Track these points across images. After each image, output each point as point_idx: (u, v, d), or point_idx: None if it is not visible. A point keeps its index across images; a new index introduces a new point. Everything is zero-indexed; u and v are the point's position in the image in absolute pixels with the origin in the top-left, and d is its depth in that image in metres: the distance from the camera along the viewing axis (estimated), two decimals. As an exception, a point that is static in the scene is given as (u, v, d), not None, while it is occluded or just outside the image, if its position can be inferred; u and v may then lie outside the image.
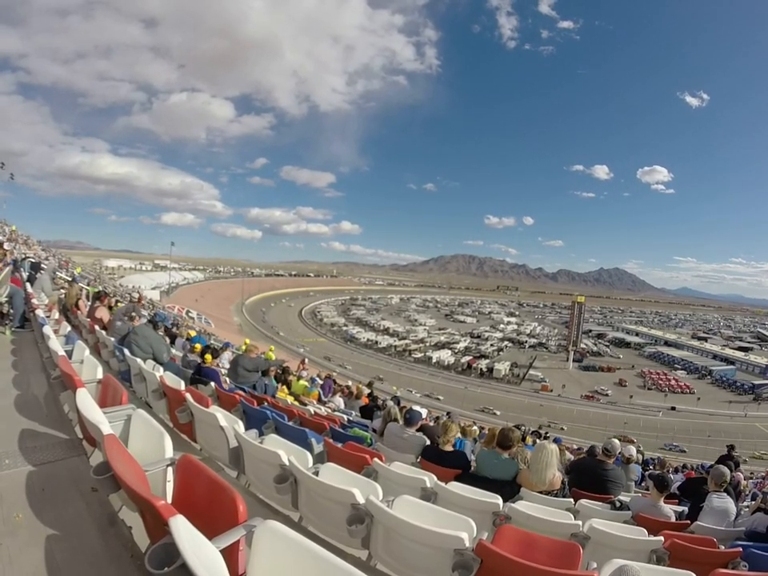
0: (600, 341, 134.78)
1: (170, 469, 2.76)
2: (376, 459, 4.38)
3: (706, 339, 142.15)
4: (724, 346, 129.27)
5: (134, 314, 9.71)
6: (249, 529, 2.09)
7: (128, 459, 2.56)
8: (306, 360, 17.26)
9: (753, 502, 7.39)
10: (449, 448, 5.56)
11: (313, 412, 8.68)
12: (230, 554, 2.01)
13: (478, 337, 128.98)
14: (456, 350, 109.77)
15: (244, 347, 13.17)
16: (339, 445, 5.18)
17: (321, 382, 14.90)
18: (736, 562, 3.76)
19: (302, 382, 12.76)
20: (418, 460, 5.49)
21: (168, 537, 1.80)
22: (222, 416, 4.51)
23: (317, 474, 3.59)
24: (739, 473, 9.50)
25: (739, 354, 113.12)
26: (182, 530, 1.78)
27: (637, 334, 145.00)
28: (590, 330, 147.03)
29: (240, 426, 4.41)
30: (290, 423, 5.95)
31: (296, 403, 9.94)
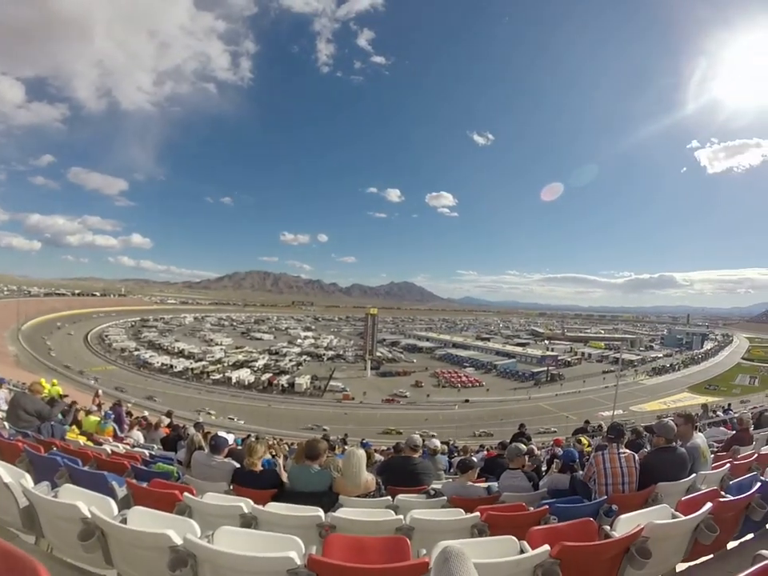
0: (394, 348, 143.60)
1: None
2: (186, 493, 4.10)
3: (488, 339, 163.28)
4: (504, 343, 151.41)
5: None
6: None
7: None
8: (101, 392, 15.56)
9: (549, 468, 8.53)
10: (258, 468, 5.49)
11: (110, 451, 7.85)
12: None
13: (277, 353, 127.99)
14: (255, 368, 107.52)
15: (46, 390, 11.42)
16: (144, 484, 4.75)
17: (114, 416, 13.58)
18: (546, 518, 4.27)
19: (92, 417, 11.49)
20: (231, 487, 5.31)
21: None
22: (5, 470, 3.84)
23: (125, 521, 3.26)
24: (532, 445, 10.95)
25: (518, 349, 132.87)
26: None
27: (427, 340, 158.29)
28: (384, 339, 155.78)
29: (28, 480, 3.82)
30: (86, 468, 5.33)
31: (90, 443, 8.92)
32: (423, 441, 7.42)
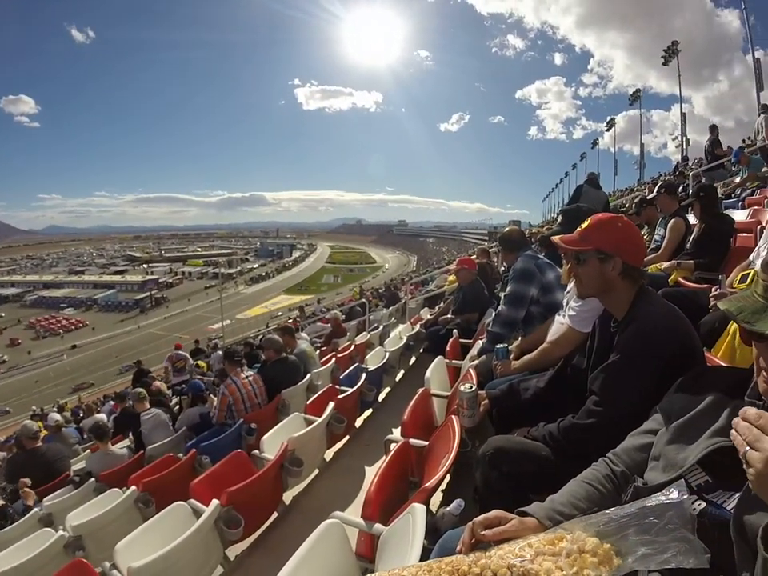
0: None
1: None
2: None
3: (83, 272, 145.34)
4: (101, 273, 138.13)
5: None
6: None
7: None
8: None
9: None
10: None
11: None
12: None
13: None
14: None
15: None
16: None
17: None
18: (198, 459, 4.20)
19: None
20: None
21: None
22: None
23: None
24: (156, 381, 10.59)
25: (117, 278, 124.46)
26: None
27: (13, 285, 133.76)
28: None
29: None
30: None
31: None
32: (44, 415, 6.64)
